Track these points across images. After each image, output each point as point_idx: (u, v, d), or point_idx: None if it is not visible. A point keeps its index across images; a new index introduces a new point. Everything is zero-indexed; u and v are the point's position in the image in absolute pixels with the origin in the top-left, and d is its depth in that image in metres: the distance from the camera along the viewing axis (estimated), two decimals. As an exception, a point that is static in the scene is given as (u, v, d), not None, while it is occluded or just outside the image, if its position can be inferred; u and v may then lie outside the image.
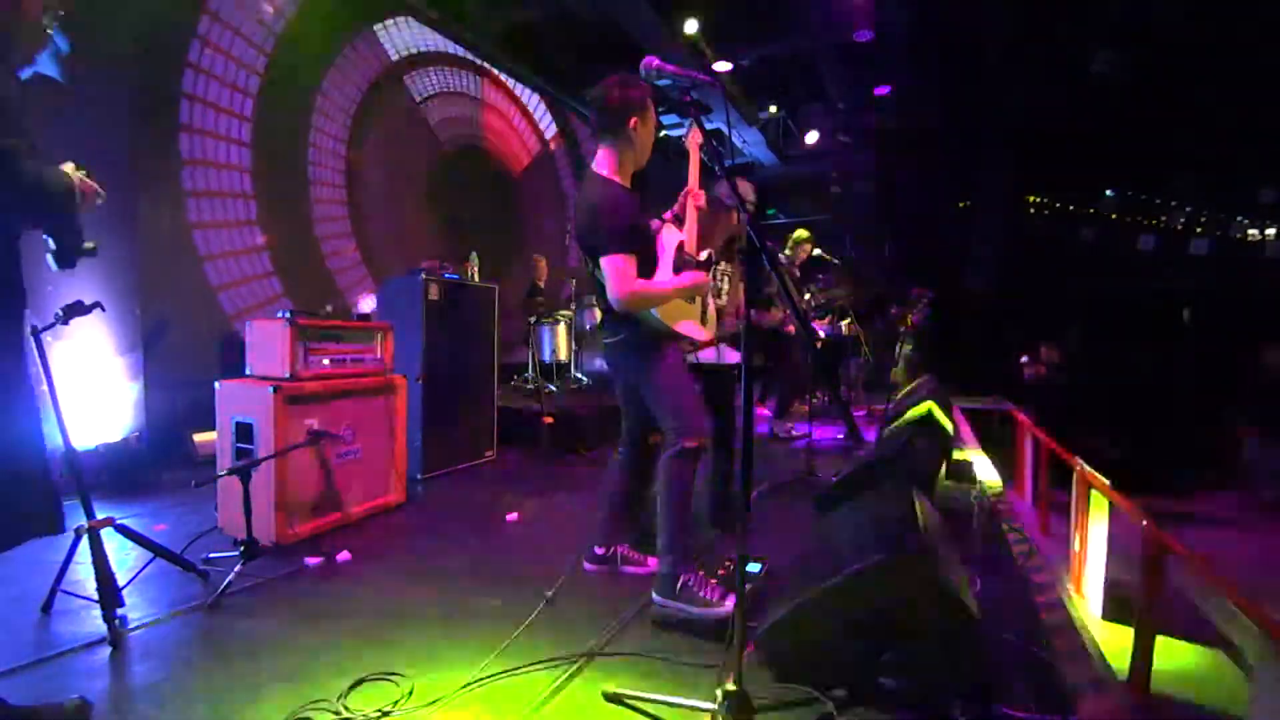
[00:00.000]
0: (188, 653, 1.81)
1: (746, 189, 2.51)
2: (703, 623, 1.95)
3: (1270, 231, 9.64)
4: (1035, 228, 10.77)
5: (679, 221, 2.25)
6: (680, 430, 2.05)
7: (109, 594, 1.86)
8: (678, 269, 2.15)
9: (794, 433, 4.92)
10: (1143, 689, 1.73)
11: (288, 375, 2.71)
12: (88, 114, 3.50)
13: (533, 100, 8.02)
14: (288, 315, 2.75)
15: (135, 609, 2.02)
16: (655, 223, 2.22)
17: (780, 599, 1.83)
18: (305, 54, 5.06)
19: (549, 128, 8.40)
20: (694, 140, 2.28)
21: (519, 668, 1.71)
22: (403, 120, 6.06)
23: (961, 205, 10.43)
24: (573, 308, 6.38)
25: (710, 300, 2.35)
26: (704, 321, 2.28)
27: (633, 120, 2.04)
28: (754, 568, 2.39)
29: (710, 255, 2.31)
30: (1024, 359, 8.17)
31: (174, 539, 2.56)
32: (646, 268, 2.10)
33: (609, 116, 2.06)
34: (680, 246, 2.21)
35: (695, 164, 2.27)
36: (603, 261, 2.00)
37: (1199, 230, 10.07)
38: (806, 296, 4.94)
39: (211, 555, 2.43)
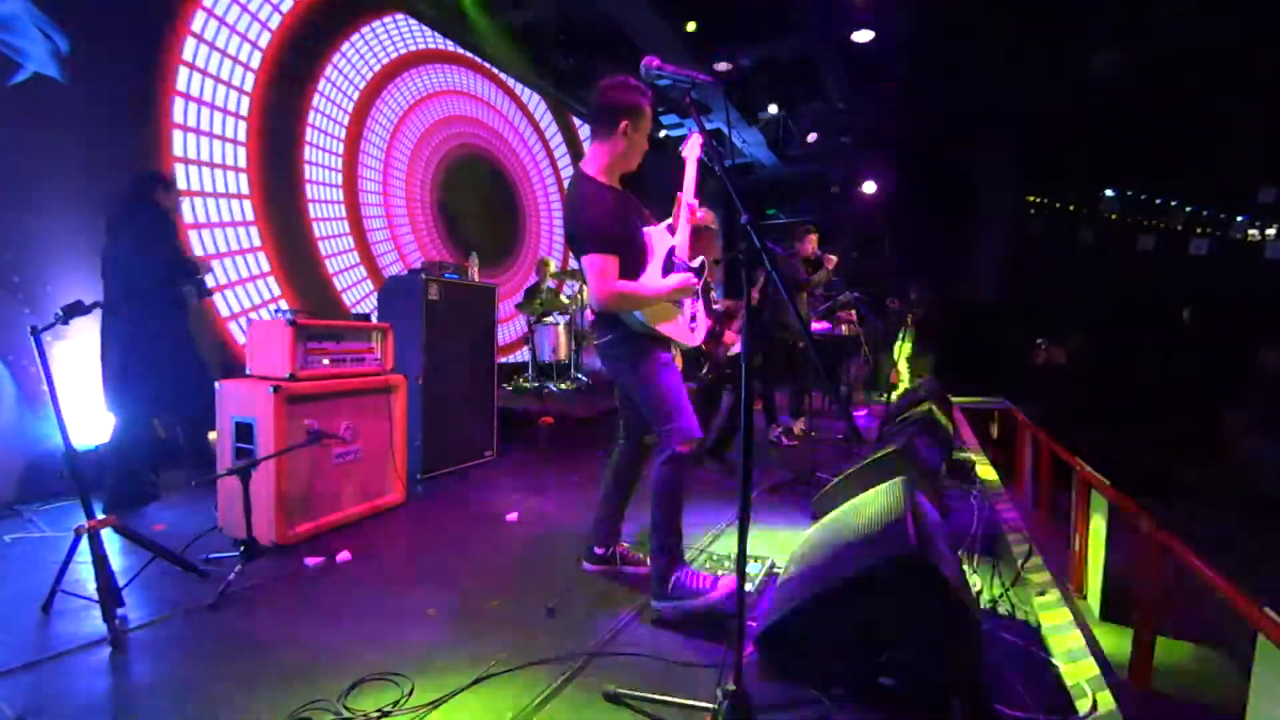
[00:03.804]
0: (188, 653, 1.80)
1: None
2: (701, 613, 1.95)
3: (1270, 231, 9.63)
4: (1035, 228, 10.77)
5: (671, 230, 2.25)
6: (671, 434, 2.04)
7: (109, 594, 1.86)
8: (666, 272, 2.15)
9: (784, 441, 4.94)
10: (1143, 689, 1.73)
11: (288, 375, 2.71)
12: (88, 113, 3.51)
13: (534, 100, 8.03)
14: (288, 315, 2.75)
15: (135, 609, 2.02)
16: (648, 229, 2.21)
17: (780, 599, 1.83)
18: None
19: (550, 128, 8.41)
20: (691, 150, 2.28)
21: (519, 667, 1.71)
22: (402, 119, 6.07)
23: (973, 204, 10.37)
24: (572, 308, 6.39)
25: (700, 305, 2.34)
26: (692, 327, 2.27)
27: (624, 123, 2.04)
28: (754, 568, 2.39)
29: (704, 261, 2.31)
30: (1040, 341, 8.17)
31: (174, 539, 2.56)
32: (634, 269, 2.09)
33: (602, 115, 2.07)
34: (671, 250, 2.21)
35: (692, 174, 2.28)
36: (583, 260, 2.00)
37: (1199, 230, 10.06)
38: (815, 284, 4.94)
39: (211, 555, 2.43)
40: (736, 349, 4.07)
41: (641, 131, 2.10)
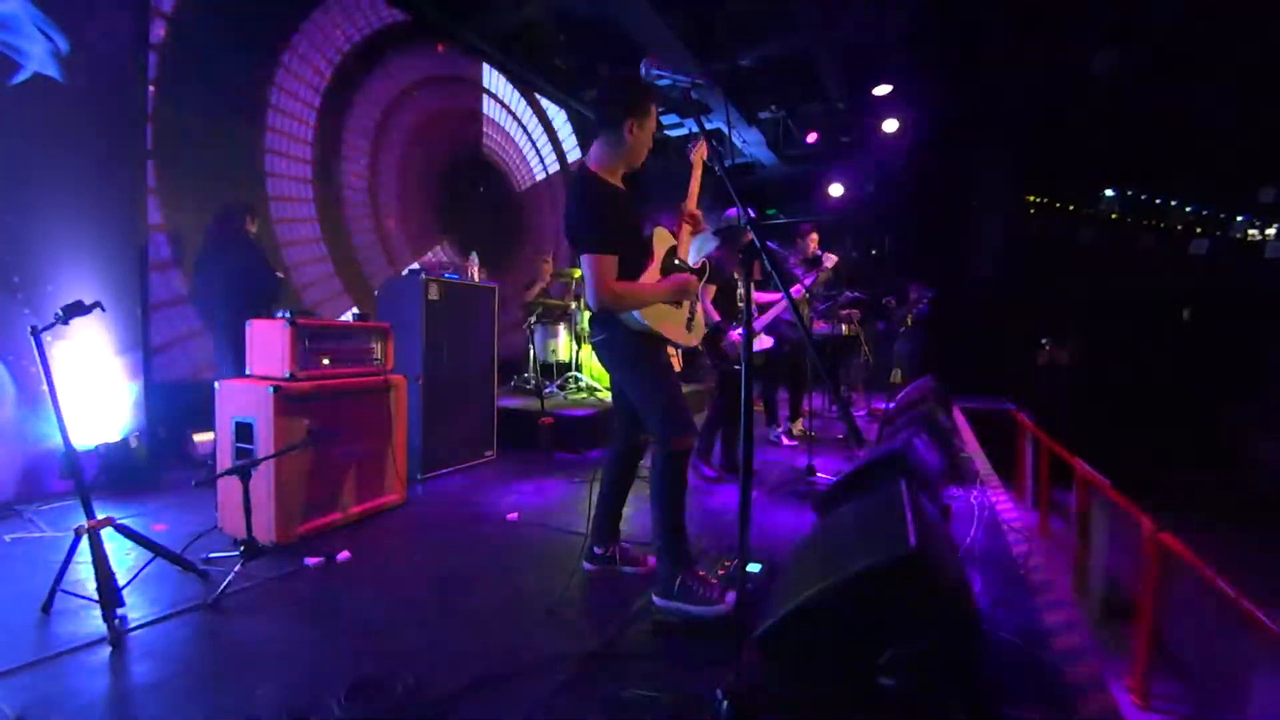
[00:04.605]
0: (188, 653, 1.80)
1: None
2: (703, 621, 1.95)
3: (1270, 231, 9.64)
4: (1035, 228, 10.77)
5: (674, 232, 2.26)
6: (667, 432, 2.04)
7: (109, 594, 1.86)
8: (666, 272, 2.16)
9: (784, 441, 4.94)
10: (1143, 689, 1.74)
11: (288, 375, 2.71)
12: (88, 113, 3.50)
13: (535, 99, 8.03)
14: (288, 315, 2.75)
15: (135, 609, 2.02)
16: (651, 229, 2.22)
17: (780, 599, 1.83)
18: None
19: (551, 127, 8.41)
20: (698, 155, 2.28)
21: (519, 667, 1.71)
22: (404, 122, 6.06)
23: (973, 204, 10.34)
24: (573, 307, 6.38)
25: (699, 307, 2.34)
26: (690, 328, 2.28)
27: (630, 122, 2.04)
28: (754, 568, 2.39)
29: (704, 264, 2.31)
30: (1043, 341, 8.17)
31: (174, 539, 2.56)
32: (634, 268, 2.10)
33: (607, 114, 2.07)
34: (672, 250, 2.22)
35: (696, 180, 2.28)
36: (582, 258, 2.01)
37: (1199, 230, 10.07)
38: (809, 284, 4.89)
39: (211, 555, 2.43)
40: (758, 346, 4.07)
41: (646, 131, 2.10)
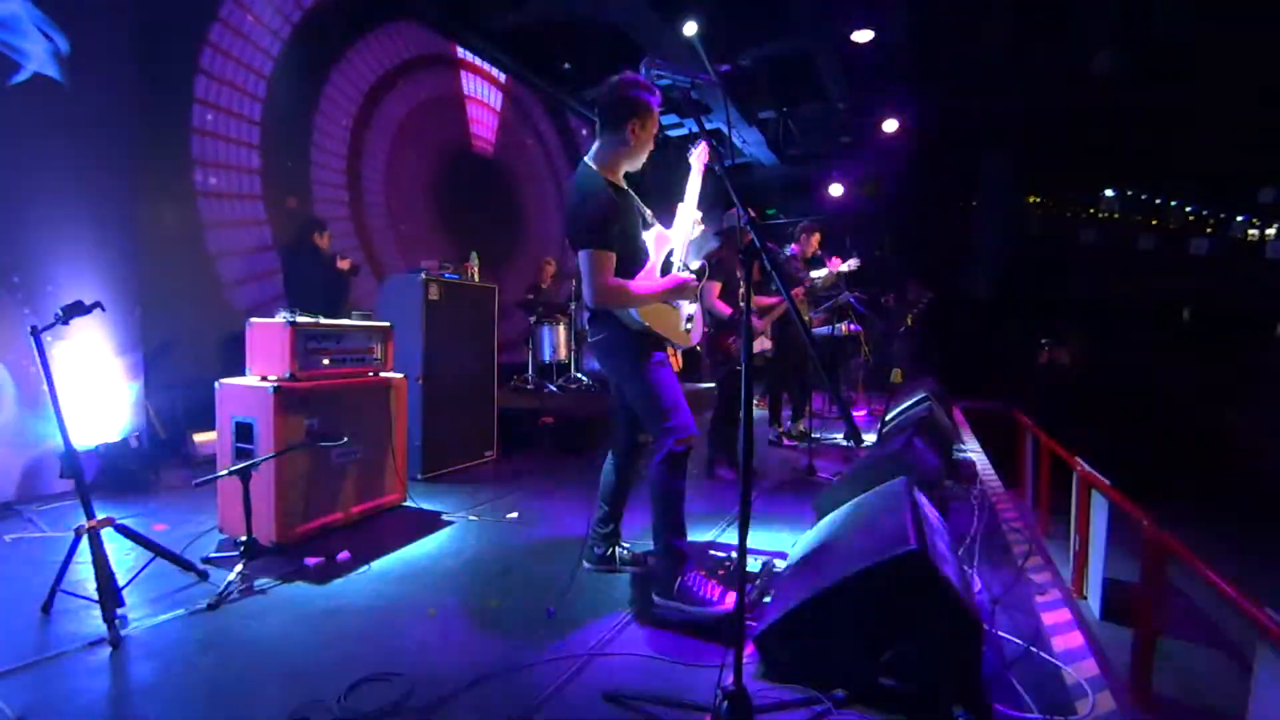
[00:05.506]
0: (188, 653, 1.80)
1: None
2: (703, 622, 1.95)
3: (1270, 231, 9.64)
4: (1035, 228, 10.77)
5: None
6: (666, 432, 2.04)
7: (109, 594, 1.86)
8: (664, 273, 2.16)
9: (785, 441, 4.94)
10: (1143, 689, 1.73)
11: (288, 375, 2.71)
12: (88, 113, 3.50)
13: (532, 101, 8.03)
14: (288, 315, 2.75)
15: (135, 609, 2.02)
16: (650, 229, 2.22)
17: (780, 599, 1.83)
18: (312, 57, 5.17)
19: (550, 128, 8.41)
20: (699, 158, 2.28)
21: (519, 667, 1.71)
22: (402, 123, 6.06)
23: (973, 204, 10.33)
24: (572, 308, 6.39)
25: (697, 308, 2.34)
26: (688, 328, 2.27)
27: (632, 123, 2.05)
28: (754, 568, 2.39)
29: (704, 265, 2.32)
30: (1044, 341, 8.16)
31: (174, 539, 2.56)
32: (633, 267, 2.09)
33: (610, 113, 2.07)
34: (671, 252, 2.22)
35: (696, 183, 2.28)
36: (579, 255, 2.00)
37: (1199, 230, 10.08)
38: (812, 280, 4.84)
39: (211, 555, 2.43)
40: (759, 347, 4.07)
41: (648, 133, 2.10)
